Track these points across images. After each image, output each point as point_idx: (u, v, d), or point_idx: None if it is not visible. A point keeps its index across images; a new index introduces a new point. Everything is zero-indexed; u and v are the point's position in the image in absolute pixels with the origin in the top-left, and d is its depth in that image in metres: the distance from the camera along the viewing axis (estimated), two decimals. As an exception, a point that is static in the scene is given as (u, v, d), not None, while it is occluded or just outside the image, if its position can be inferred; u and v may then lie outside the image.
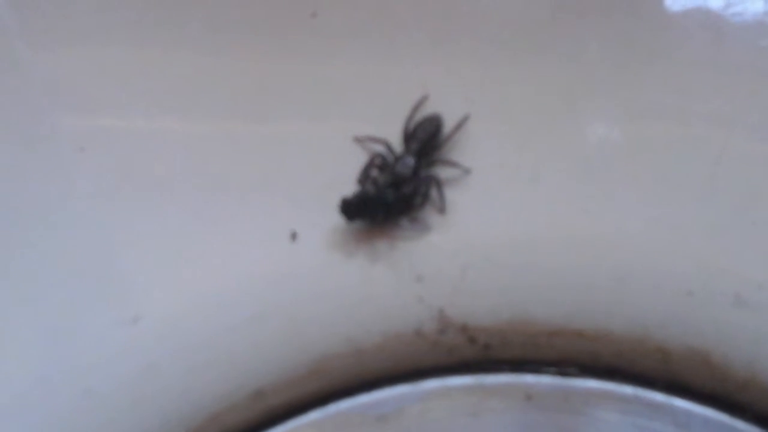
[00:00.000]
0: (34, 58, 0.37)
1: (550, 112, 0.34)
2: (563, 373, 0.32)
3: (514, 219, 0.33)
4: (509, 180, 0.33)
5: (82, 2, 0.37)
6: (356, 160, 0.33)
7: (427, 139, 0.34)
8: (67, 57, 0.36)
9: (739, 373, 0.31)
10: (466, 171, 0.33)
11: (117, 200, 0.33)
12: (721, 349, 0.31)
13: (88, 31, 0.36)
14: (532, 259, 0.32)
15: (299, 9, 0.35)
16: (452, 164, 0.33)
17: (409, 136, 0.34)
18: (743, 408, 0.31)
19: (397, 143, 0.34)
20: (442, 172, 0.33)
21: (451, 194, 0.33)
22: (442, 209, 0.33)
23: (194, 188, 0.33)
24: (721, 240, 0.32)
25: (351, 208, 0.32)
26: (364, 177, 0.33)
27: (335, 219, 0.32)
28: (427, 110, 0.34)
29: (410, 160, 0.33)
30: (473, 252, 0.32)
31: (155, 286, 0.32)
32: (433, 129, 0.34)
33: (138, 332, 0.31)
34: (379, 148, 0.34)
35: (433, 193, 0.33)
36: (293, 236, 0.32)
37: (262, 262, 0.32)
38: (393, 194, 0.32)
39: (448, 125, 0.34)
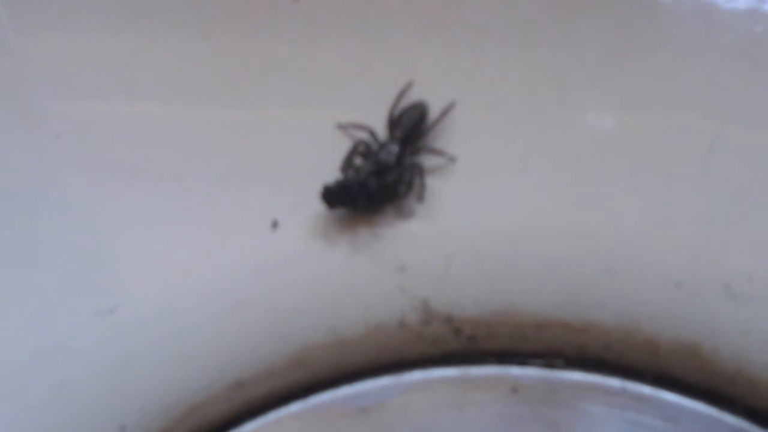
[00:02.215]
0: (18, 42, 0.36)
1: (539, 101, 0.34)
2: (550, 366, 0.31)
3: (501, 208, 0.32)
4: (496, 169, 0.33)
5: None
6: (339, 147, 0.33)
7: (412, 127, 0.33)
8: (49, 42, 0.36)
9: (729, 366, 0.30)
10: (452, 159, 0.33)
11: (94, 188, 0.33)
12: (710, 341, 0.30)
13: (69, 15, 0.36)
14: (518, 250, 0.32)
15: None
16: (437, 152, 0.33)
17: (393, 123, 0.33)
18: (732, 401, 0.30)
19: (381, 130, 0.33)
20: (427, 160, 0.33)
21: (437, 183, 0.32)
22: (420, 197, 0.32)
23: (173, 176, 0.33)
24: (711, 231, 0.32)
25: (333, 196, 0.31)
26: (347, 164, 0.32)
27: (317, 207, 0.31)
28: (413, 97, 0.34)
29: (394, 148, 0.33)
30: (459, 242, 0.32)
31: (133, 276, 0.31)
32: (418, 116, 0.33)
33: (116, 322, 0.31)
34: (363, 135, 0.33)
35: (416, 180, 0.32)
36: (274, 224, 0.32)
37: (243, 250, 0.32)
38: (376, 182, 0.31)
39: (434, 112, 0.33)
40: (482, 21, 0.35)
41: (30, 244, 0.32)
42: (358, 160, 0.32)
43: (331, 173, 0.32)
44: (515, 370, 0.31)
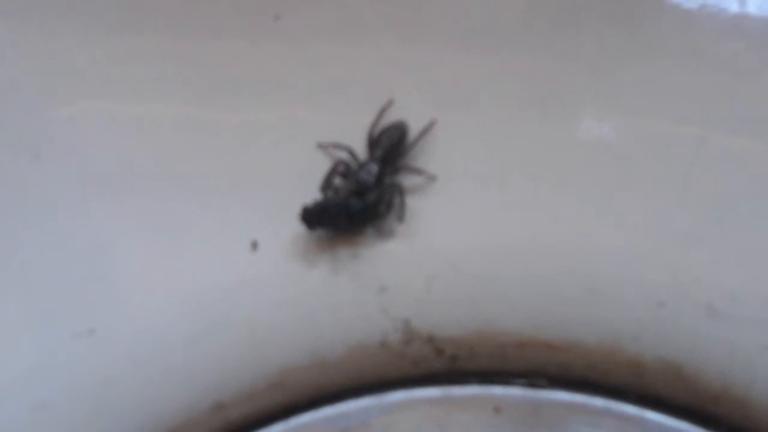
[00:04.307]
0: (7, 46, 0.36)
1: (520, 117, 0.34)
2: (533, 385, 0.31)
3: (482, 227, 0.32)
4: (477, 187, 0.33)
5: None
6: (319, 167, 0.32)
7: (391, 146, 0.33)
8: (29, 51, 0.35)
9: (713, 386, 0.30)
10: (432, 178, 0.32)
11: (69, 207, 0.32)
12: (694, 361, 0.30)
13: (47, 25, 0.36)
14: (500, 268, 0.32)
15: (262, 11, 0.34)
16: (417, 171, 0.33)
17: (373, 143, 0.33)
18: (717, 421, 0.30)
19: (361, 149, 0.33)
20: (407, 180, 0.33)
21: (417, 202, 0.32)
22: (400, 217, 0.32)
23: (149, 195, 0.32)
24: (694, 249, 0.31)
25: (312, 217, 0.31)
26: (327, 184, 0.32)
27: (297, 226, 0.31)
28: (393, 114, 0.33)
29: (374, 168, 0.32)
30: (439, 261, 0.31)
31: (112, 297, 0.31)
32: (398, 136, 0.33)
33: (94, 344, 0.30)
34: (343, 155, 0.33)
35: (396, 200, 0.32)
36: (254, 245, 0.32)
37: (222, 271, 0.31)
38: (356, 202, 0.31)
39: (414, 130, 0.33)
40: (463, 38, 0.35)
41: (8, 264, 0.32)
42: (337, 181, 0.32)
43: (311, 193, 0.32)
44: (498, 390, 0.31)
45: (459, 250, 0.32)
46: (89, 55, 0.35)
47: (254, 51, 0.35)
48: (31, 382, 0.30)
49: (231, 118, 0.34)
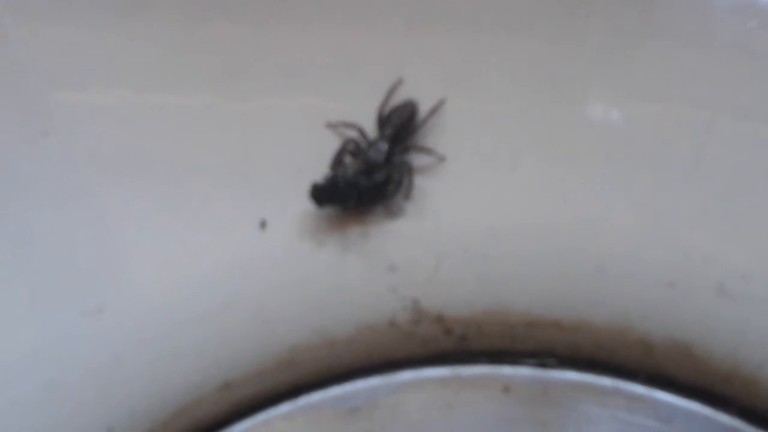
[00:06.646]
0: (13, 33, 0.36)
1: (529, 96, 0.33)
2: (542, 365, 0.31)
3: (491, 206, 0.32)
4: (486, 166, 0.32)
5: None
6: (329, 146, 0.32)
7: (401, 125, 0.33)
8: (43, 33, 0.35)
9: (722, 366, 0.30)
10: (441, 158, 0.32)
11: (79, 187, 0.32)
12: (703, 340, 0.30)
13: (55, 9, 0.35)
14: (509, 248, 0.31)
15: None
16: (427, 151, 0.32)
17: (383, 122, 0.33)
18: (726, 401, 0.30)
19: (371, 128, 0.33)
20: (417, 159, 0.32)
21: (426, 182, 0.32)
22: (407, 195, 0.32)
23: (159, 174, 0.32)
24: (704, 228, 0.31)
25: (322, 194, 0.31)
26: (336, 162, 0.32)
27: (306, 205, 0.31)
28: (403, 92, 0.33)
29: (383, 146, 0.32)
30: (449, 241, 0.31)
31: (120, 276, 0.31)
32: (407, 115, 0.33)
33: (102, 323, 0.30)
34: (353, 134, 0.33)
35: (405, 179, 0.32)
36: (262, 224, 0.31)
37: (231, 249, 0.31)
38: (365, 180, 0.31)
39: (424, 108, 0.33)
40: (473, 16, 0.34)
41: (15, 244, 0.31)
42: (347, 159, 0.32)
43: (321, 172, 0.32)
44: (507, 370, 0.31)
45: (468, 230, 0.32)
46: (96, 38, 0.35)
47: (261, 33, 0.35)
48: (41, 360, 0.30)
49: (239, 98, 0.34)
